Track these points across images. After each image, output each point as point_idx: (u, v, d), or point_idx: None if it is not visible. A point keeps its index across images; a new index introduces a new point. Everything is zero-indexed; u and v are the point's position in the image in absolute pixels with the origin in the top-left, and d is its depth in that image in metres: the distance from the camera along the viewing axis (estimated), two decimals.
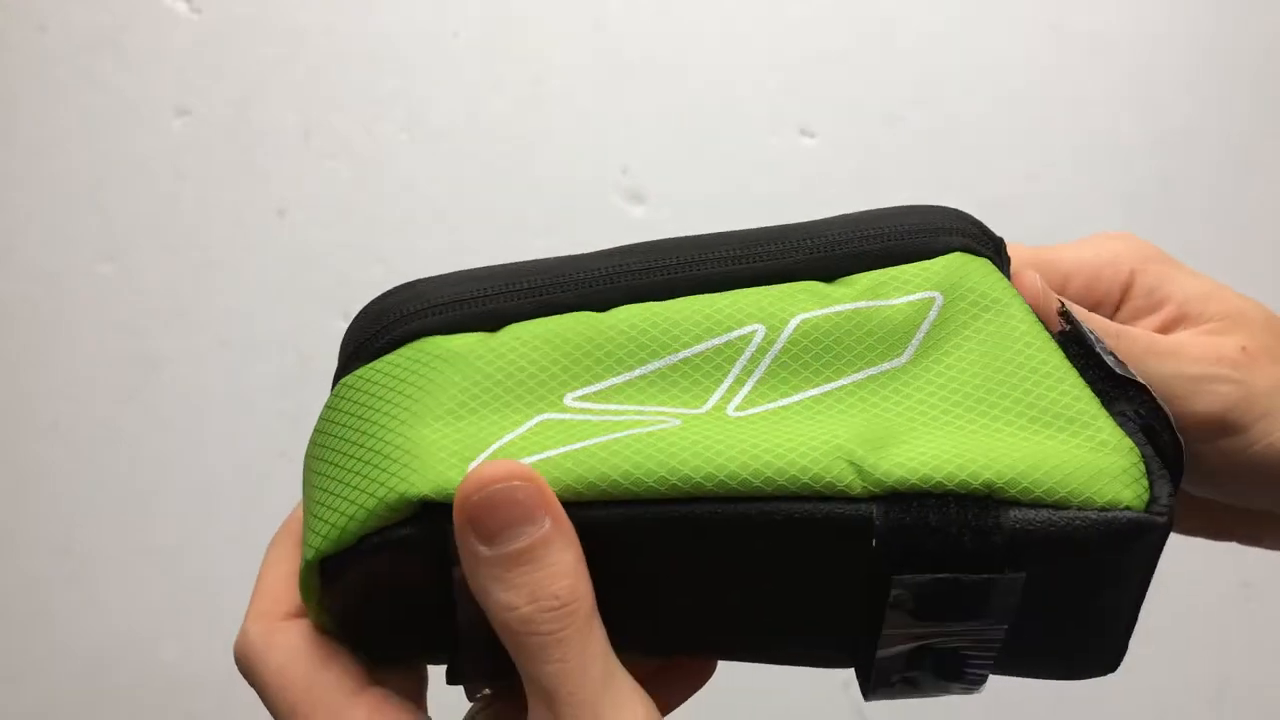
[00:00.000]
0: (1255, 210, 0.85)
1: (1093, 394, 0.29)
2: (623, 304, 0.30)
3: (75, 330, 0.84)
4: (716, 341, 0.29)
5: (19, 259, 0.84)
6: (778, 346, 0.30)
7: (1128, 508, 0.26)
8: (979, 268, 0.31)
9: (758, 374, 0.29)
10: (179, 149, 0.84)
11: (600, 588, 0.25)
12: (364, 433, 0.29)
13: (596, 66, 0.85)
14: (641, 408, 0.28)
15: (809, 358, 0.30)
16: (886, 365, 0.30)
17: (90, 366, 0.84)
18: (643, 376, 0.29)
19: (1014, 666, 0.31)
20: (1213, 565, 0.85)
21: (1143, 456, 0.27)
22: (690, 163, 0.83)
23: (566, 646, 0.24)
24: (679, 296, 0.30)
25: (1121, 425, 0.28)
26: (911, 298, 0.31)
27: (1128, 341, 0.32)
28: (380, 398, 0.31)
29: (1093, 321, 0.32)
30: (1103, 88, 0.86)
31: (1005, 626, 0.27)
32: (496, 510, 0.24)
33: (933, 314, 0.31)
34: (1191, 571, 0.85)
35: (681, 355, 0.29)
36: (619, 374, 0.29)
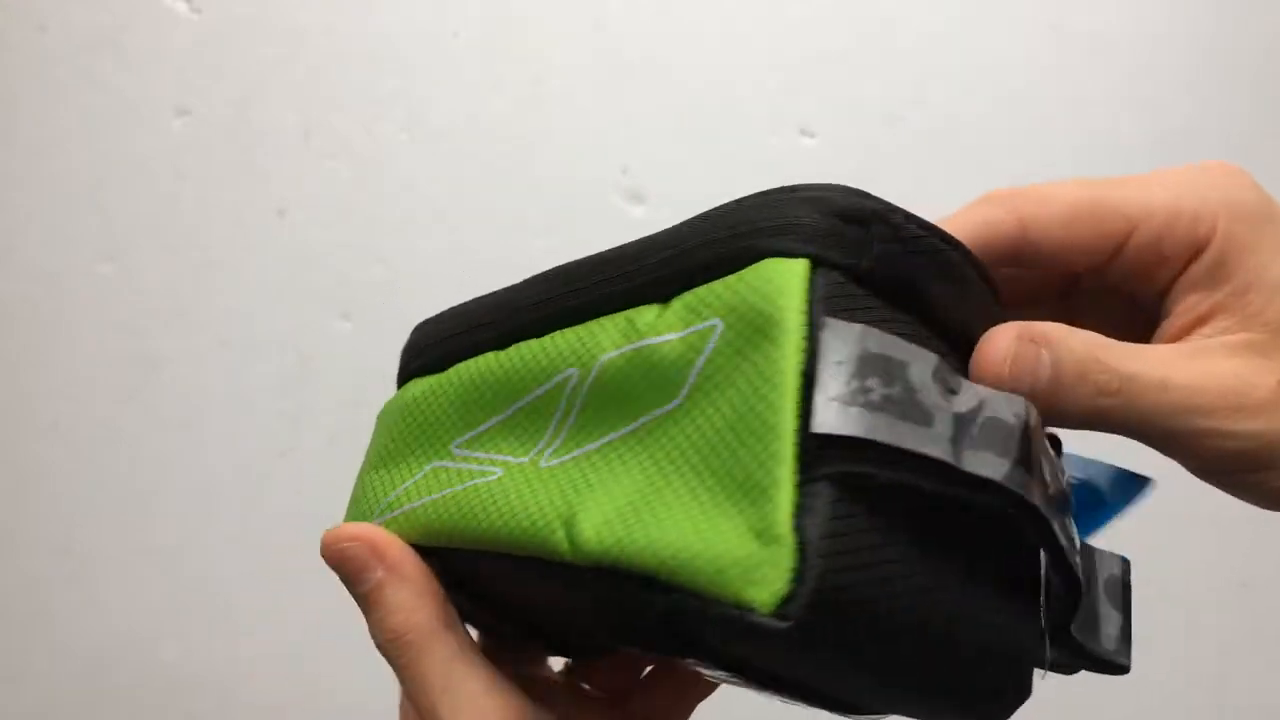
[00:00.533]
0: None
1: (793, 468, 0.23)
2: (513, 342, 0.32)
3: (75, 330, 0.84)
4: (546, 387, 0.29)
5: (19, 259, 0.84)
6: (584, 392, 0.28)
7: (751, 608, 0.22)
8: (780, 281, 0.25)
9: (570, 421, 0.28)
10: (179, 149, 0.84)
11: (485, 604, 0.31)
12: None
13: (596, 66, 0.85)
14: (491, 455, 0.30)
15: (604, 403, 0.28)
16: (658, 411, 0.26)
17: (90, 366, 0.84)
18: (502, 422, 0.31)
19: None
20: (1212, 565, 0.85)
21: (800, 549, 0.22)
22: (690, 163, 0.83)
23: (408, 668, 0.29)
24: (549, 332, 0.31)
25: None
26: (695, 328, 0.26)
27: (1109, 364, 0.26)
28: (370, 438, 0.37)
29: (1076, 351, 0.26)
30: (1103, 88, 0.86)
31: (734, 677, 0.26)
32: (341, 565, 0.31)
33: (709, 347, 0.25)
34: (1191, 571, 0.85)
35: (524, 401, 0.30)
36: (488, 419, 0.31)
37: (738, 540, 0.23)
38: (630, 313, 0.28)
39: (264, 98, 0.84)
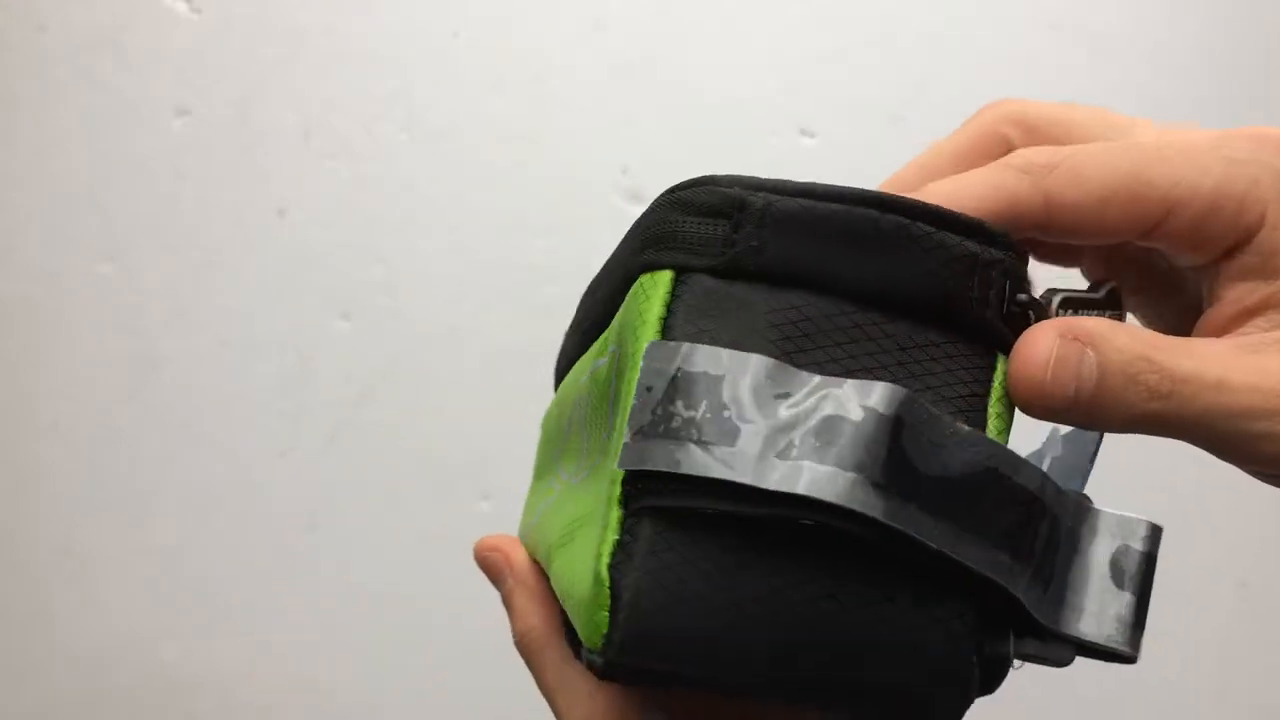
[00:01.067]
0: None
1: (618, 506, 0.23)
2: (571, 363, 0.34)
3: (75, 330, 0.84)
4: (576, 408, 0.31)
5: (19, 259, 0.84)
6: (584, 416, 0.29)
7: (590, 649, 0.23)
8: (646, 298, 0.25)
9: (585, 442, 0.29)
10: (179, 149, 0.84)
11: None
12: None
13: (596, 66, 0.85)
14: (558, 474, 0.33)
15: (591, 425, 0.28)
16: (603, 437, 0.26)
17: (90, 366, 0.84)
18: (565, 441, 0.33)
19: None
20: (1212, 565, 0.85)
21: (612, 589, 0.22)
22: (690, 163, 0.83)
23: (531, 666, 0.32)
24: (580, 355, 0.32)
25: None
26: (609, 352, 0.26)
27: (1160, 364, 0.24)
28: None
29: (1124, 351, 0.24)
30: (1103, 88, 0.86)
31: None
32: (485, 570, 0.35)
33: (612, 374, 0.26)
34: (1191, 571, 0.85)
35: (570, 420, 0.32)
36: (563, 439, 0.33)
37: (588, 583, 0.23)
38: (605, 332, 0.28)
39: (264, 98, 0.84)
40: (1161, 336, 0.25)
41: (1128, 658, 0.25)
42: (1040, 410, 0.25)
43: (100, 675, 0.84)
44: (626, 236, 0.28)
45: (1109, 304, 0.27)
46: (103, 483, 0.84)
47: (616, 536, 0.23)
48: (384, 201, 0.84)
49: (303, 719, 0.85)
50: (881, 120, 0.84)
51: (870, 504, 0.21)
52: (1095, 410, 0.24)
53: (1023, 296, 0.25)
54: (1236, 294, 0.26)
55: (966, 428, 0.23)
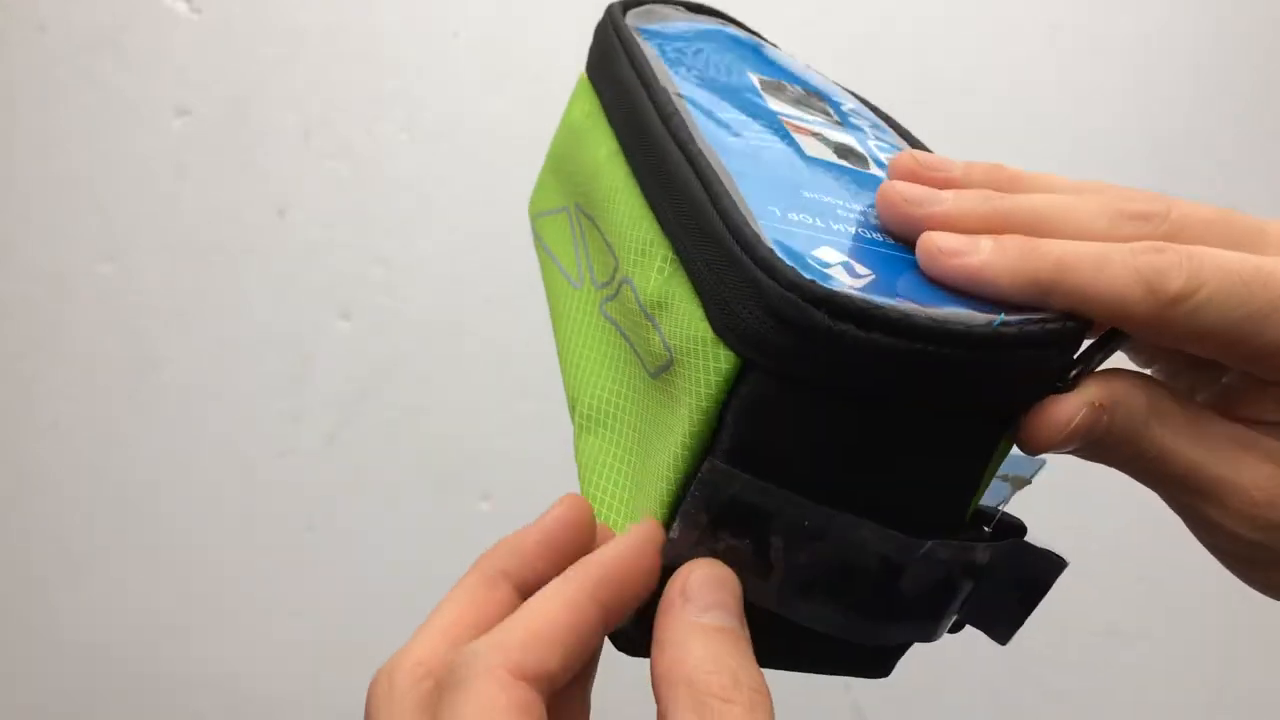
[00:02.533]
0: (1255, 211, 0.85)
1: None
2: (633, 175, 0.33)
3: (75, 330, 0.84)
4: (602, 245, 0.33)
5: (19, 259, 0.84)
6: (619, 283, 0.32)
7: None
8: (711, 367, 0.26)
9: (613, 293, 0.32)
10: (179, 149, 0.84)
11: None
12: None
13: None
14: (579, 257, 0.34)
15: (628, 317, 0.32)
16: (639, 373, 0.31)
17: (90, 366, 0.84)
18: (591, 225, 0.34)
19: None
20: (1211, 565, 0.85)
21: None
22: None
23: None
24: (642, 212, 0.32)
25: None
26: (657, 329, 0.29)
27: (1156, 444, 0.27)
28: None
29: (1134, 416, 0.27)
30: (1103, 87, 0.86)
31: None
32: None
33: (661, 363, 0.29)
34: (1190, 571, 0.85)
35: (596, 235, 0.33)
36: (592, 213, 0.34)
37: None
38: (658, 258, 0.29)
39: (264, 98, 0.84)
40: (1175, 407, 0.27)
41: (999, 642, 0.31)
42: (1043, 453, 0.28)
43: (100, 674, 0.84)
44: (711, 243, 0.27)
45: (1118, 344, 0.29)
46: (103, 482, 0.84)
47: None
48: (384, 201, 0.84)
49: (303, 719, 0.85)
50: None
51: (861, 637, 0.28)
52: (1085, 454, 0.27)
53: (1060, 386, 0.27)
54: (1270, 406, 0.28)
55: (942, 551, 0.27)
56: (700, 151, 0.29)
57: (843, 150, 0.33)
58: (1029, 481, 0.31)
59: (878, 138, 0.35)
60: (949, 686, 0.83)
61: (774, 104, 0.35)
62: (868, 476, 0.27)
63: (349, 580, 0.84)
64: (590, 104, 0.37)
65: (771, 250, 0.25)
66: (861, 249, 0.27)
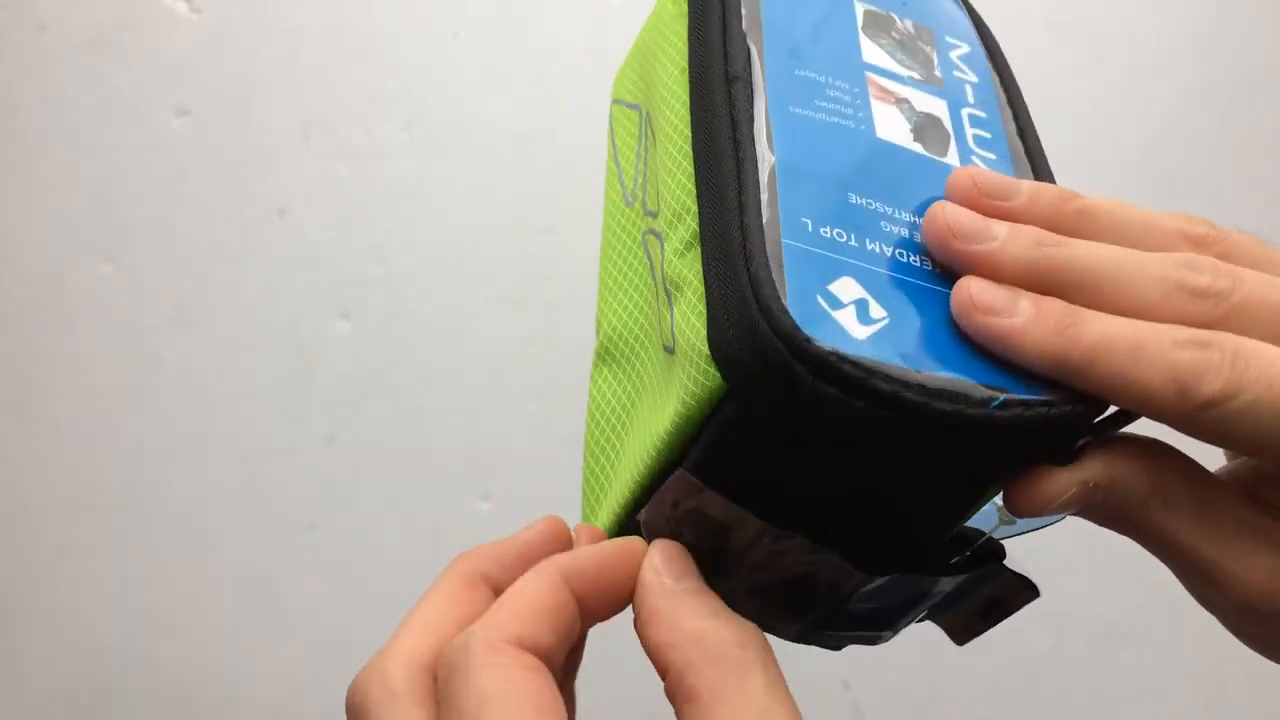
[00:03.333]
0: (1255, 211, 0.85)
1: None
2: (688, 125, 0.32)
3: (75, 330, 0.84)
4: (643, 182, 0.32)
5: (19, 259, 0.84)
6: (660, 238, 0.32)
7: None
8: (702, 384, 0.26)
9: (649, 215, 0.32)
10: (179, 149, 0.84)
11: None
12: None
13: (596, 66, 0.85)
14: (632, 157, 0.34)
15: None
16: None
17: (90, 366, 0.84)
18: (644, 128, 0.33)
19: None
20: None
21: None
22: None
23: None
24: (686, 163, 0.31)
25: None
26: (669, 310, 0.29)
27: (1156, 519, 0.26)
28: None
29: (1132, 495, 0.26)
30: (1102, 86, 0.86)
31: None
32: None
33: (667, 341, 0.29)
34: None
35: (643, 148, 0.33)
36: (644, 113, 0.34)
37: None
38: (686, 231, 0.28)
39: (264, 98, 0.84)
40: (1181, 488, 0.26)
41: (956, 644, 0.31)
42: None
43: (100, 674, 0.84)
44: (722, 250, 0.27)
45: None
46: (103, 482, 0.84)
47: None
48: (384, 201, 0.84)
49: (303, 719, 0.85)
50: None
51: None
52: (1081, 515, 0.27)
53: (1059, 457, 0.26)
54: None
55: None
56: (749, 139, 0.27)
57: (924, 126, 0.30)
58: (1014, 522, 0.30)
59: (976, 102, 0.32)
60: (949, 687, 0.83)
61: (869, 50, 0.32)
62: (840, 507, 0.27)
63: (349, 580, 0.84)
64: (678, 3, 0.34)
65: (775, 291, 0.24)
66: (888, 280, 0.26)
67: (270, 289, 0.84)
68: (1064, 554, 0.75)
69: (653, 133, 0.32)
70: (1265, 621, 0.26)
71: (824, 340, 0.23)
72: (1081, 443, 0.26)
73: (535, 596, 0.26)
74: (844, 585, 0.27)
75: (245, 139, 0.84)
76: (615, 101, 0.38)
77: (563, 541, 0.29)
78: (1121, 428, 0.27)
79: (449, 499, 0.84)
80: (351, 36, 0.84)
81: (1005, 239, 0.26)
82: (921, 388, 0.23)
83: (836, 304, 0.25)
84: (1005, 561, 0.30)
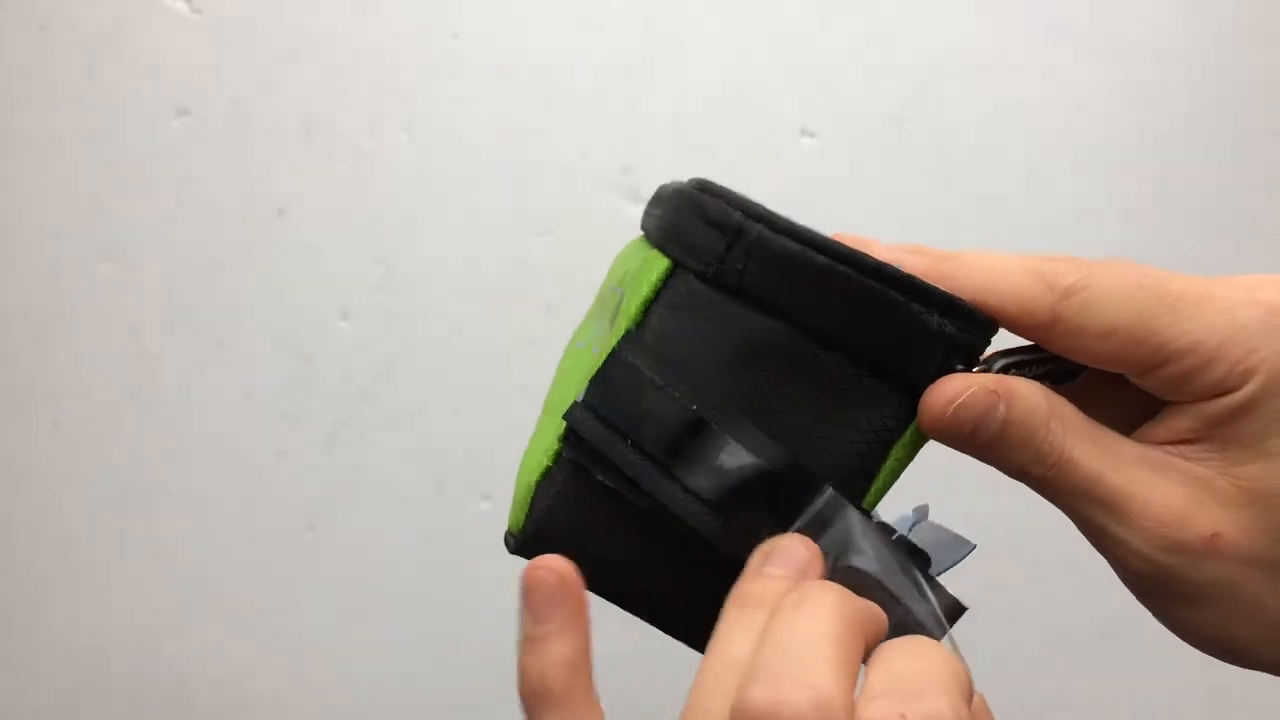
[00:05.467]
0: (1256, 211, 0.85)
1: (559, 440, 0.31)
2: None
3: (75, 330, 0.84)
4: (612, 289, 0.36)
5: (19, 259, 0.84)
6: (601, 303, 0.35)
7: (510, 531, 0.32)
8: (648, 273, 0.31)
9: (594, 328, 0.35)
10: (179, 149, 0.84)
11: None
12: None
13: (596, 66, 0.85)
14: (585, 332, 0.36)
15: (598, 310, 0.35)
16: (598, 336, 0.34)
17: (90, 366, 0.84)
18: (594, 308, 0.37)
19: None
20: None
21: (532, 500, 0.31)
22: (690, 162, 0.83)
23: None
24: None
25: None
26: (615, 289, 0.33)
27: (1055, 439, 0.28)
28: None
29: (1034, 415, 0.28)
30: (1103, 87, 0.86)
31: None
32: (533, 593, 0.32)
33: (615, 311, 0.32)
34: None
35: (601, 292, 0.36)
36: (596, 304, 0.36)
37: (522, 487, 0.32)
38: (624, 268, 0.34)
39: (264, 98, 0.84)
40: (1077, 416, 0.28)
41: None
42: (940, 439, 0.29)
43: (101, 673, 0.84)
44: (661, 202, 0.32)
45: (1058, 368, 0.30)
46: (103, 482, 0.84)
47: (549, 463, 0.31)
48: (384, 201, 0.84)
49: (303, 718, 0.85)
50: (881, 120, 0.84)
51: (709, 529, 0.29)
52: (988, 454, 0.28)
53: (960, 366, 0.29)
54: (1185, 422, 0.28)
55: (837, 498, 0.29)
56: None
57: None
58: (943, 567, 0.31)
59: None
60: None
61: None
62: (772, 394, 0.29)
63: (349, 580, 0.84)
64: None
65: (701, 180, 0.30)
66: None
67: (270, 289, 0.84)
68: (1064, 554, 0.75)
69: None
70: (1172, 551, 0.27)
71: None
72: (976, 369, 0.29)
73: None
74: (770, 464, 0.29)
75: (245, 139, 0.84)
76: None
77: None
78: (1011, 366, 0.29)
79: (449, 499, 0.84)
80: (352, 36, 0.84)
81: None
82: (838, 244, 0.28)
83: None
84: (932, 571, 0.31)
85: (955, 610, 0.29)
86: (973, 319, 0.28)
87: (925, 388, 0.28)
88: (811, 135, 0.85)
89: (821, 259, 0.28)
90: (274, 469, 0.84)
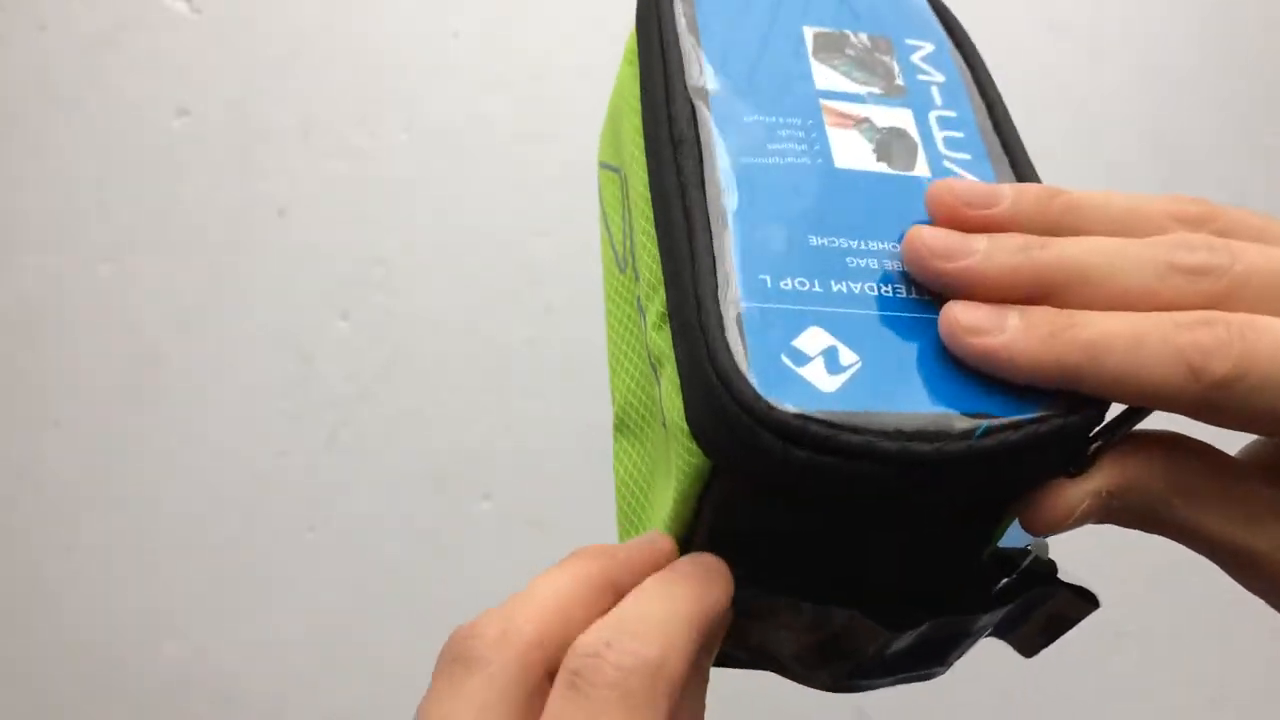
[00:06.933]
0: (1256, 206, 0.85)
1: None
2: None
3: (75, 330, 0.84)
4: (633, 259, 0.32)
5: (19, 259, 0.84)
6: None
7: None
8: (688, 464, 0.26)
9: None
10: (179, 149, 0.84)
11: None
12: None
13: (596, 66, 0.85)
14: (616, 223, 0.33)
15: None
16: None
17: (90, 366, 0.84)
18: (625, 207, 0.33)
19: None
20: (1210, 565, 0.85)
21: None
22: None
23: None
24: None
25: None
26: (654, 375, 0.29)
27: (1175, 513, 0.25)
28: None
29: (1150, 496, 0.25)
30: (1102, 86, 0.86)
31: None
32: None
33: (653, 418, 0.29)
34: (1188, 571, 0.85)
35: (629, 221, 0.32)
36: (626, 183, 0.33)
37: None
38: (659, 303, 0.28)
39: (264, 98, 0.84)
40: (1208, 481, 0.25)
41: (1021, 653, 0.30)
42: None
43: (102, 673, 0.84)
44: (691, 322, 0.26)
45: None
46: (104, 482, 0.84)
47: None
48: (384, 201, 0.84)
49: (302, 719, 0.85)
50: None
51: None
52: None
53: (1066, 464, 0.25)
54: None
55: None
56: (699, 204, 0.26)
57: (888, 142, 0.29)
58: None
59: (944, 102, 0.31)
60: (951, 688, 0.82)
61: (823, 76, 0.30)
62: (852, 567, 0.26)
63: (349, 580, 0.84)
64: (633, 64, 0.33)
65: (732, 360, 0.23)
66: (861, 320, 0.24)
67: (270, 289, 0.84)
68: (1066, 554, 0.75)
69: (630, 198, 0.32)
70: None
71: (788, 401, 0.22)
72: (1094, 449, 0.25)
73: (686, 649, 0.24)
74: (871, 644, 0.27)
75: (245, 139, 0.84)
76: (600, 165, 0.37)
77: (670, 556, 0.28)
78: (1132, 427, 0.25)
79: (449, 499, 0.84)
80: (351, 36, 0.84)
81: (987, 250, 0.25)
82: (898, 432, 0.22)
83: (802, 359, 0.23)
84: (1060, 574, 0.29)
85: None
86: (1085, 431, 0.24)
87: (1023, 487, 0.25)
88: None
89: (889, 471, 0.23)
90: (274, 469, 0.84)
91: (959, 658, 0.29)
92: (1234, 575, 0.26)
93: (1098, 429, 0.25)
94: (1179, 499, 0.25)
